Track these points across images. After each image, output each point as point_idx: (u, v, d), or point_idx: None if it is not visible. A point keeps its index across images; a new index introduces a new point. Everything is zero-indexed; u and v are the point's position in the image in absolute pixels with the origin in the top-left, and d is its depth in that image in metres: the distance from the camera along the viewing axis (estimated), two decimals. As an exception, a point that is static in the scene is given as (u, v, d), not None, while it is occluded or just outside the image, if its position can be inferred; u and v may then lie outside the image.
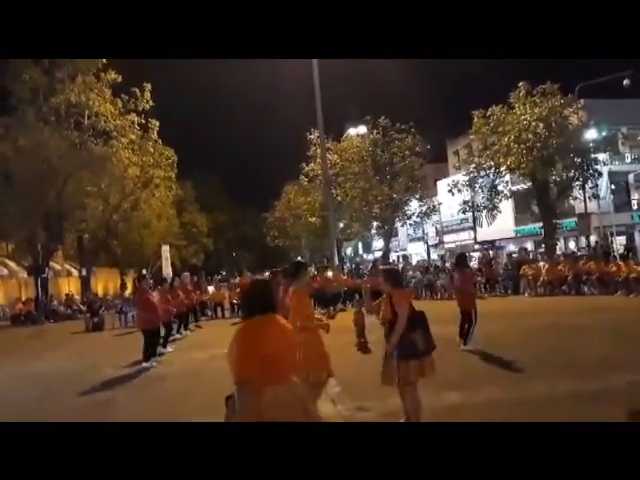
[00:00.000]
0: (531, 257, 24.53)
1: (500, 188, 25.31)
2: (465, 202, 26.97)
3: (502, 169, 24.18)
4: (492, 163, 24.28)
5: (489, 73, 57.14)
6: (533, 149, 22.52)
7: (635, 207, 30.76)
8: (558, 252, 24.64)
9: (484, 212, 27.79)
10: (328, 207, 24.16)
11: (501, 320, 11.90)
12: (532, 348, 8.74)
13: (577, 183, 23.66)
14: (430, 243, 42.97)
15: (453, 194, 26.56)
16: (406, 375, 4.73)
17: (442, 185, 34.55)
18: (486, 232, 34.76)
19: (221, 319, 18.82)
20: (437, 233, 41.39)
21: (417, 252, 43.68)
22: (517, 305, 16.52)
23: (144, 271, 29.75)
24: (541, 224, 25.07)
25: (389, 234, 33.81)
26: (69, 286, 33.90)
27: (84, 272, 31.02)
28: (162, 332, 11.51)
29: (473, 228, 36.79)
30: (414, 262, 34.88)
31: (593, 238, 26.49)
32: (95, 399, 7.57)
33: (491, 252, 31.41)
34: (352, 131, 32.31)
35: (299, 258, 35.88)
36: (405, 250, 45.17)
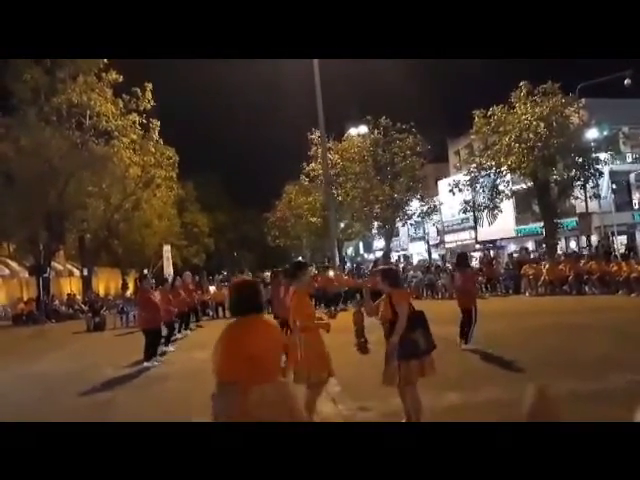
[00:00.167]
0: (532, 257, 24.53)
1: (501, 188, 25.30)
2: (466, 202, 26.95)
3: (503, 169, 24.17)
4: (493, 163, 24.27)
5: (490, 73, 57.08)
6: (534, 149, 22.51)
7: (636, 207, 30.72)
8: (559, 252, 24.63)
9: (485, 212, 27.80)
10: (329, 207, 24.18)
11: (502, 320, 11.89)
12: (532, 348, 8.74)
13: (578, 183, 23.65)
14: (431, 243, 42.93)
15: (454, 194, 26.55)
16: (407, 375, 4.73)
17: (443, 185, 34.53)
18: (487, 232, 34.73)
19: (222, 319, 18.83)
20: (438, 233, 41.35)
21: (418, 252, 43.64)
22: (518, 305, 16.51)
23: (145, 271, 29.80)
24: (542, 224, 25.06)
25: (390, 234, 33.79)
26: (71, 286, 33.94)
27: (85, 272, 31.05)
28: (164, 332, 11.53)
29: (474, 228, 36.76)
30: (415, 262, 34.85)
31: (594, 238, 26.47)
32: (96, 399, 7.57)
33: (492, 252, 31.39)
34: (353, 131, 32.29)
35: (300, 258, 35.90)
36: (406, 250, 45.13)
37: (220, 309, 19.92)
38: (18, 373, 10.28)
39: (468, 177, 25.76)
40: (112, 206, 30.46)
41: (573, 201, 25.85)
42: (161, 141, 29.93)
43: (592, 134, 23.68)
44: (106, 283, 40.41)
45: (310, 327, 5.07)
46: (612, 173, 27.59)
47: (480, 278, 20.69)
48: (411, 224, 34.25)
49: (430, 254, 42.20)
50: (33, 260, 28.11)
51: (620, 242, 28.40)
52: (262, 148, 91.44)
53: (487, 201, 25.57)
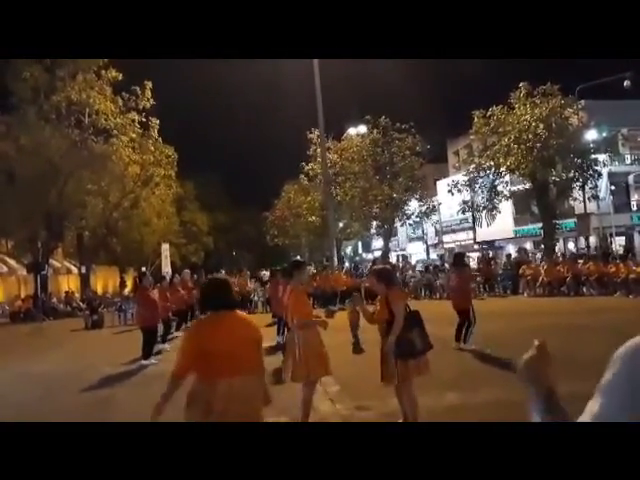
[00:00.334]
0: (529, 258, 24.55)
1: (500, 188, 25.31)
2: (465, 202, 26.97)
3: (502, 169, 24.19)
4: (492, 163, 24.29)
5: (489, 73, 57.12)
6: (533, 150, 22.53)
7: (635, 208, 30.75)
8: (557, 253, 24.65)
9: (484, 212, 27.81)
10: (328, 206, 24.18)
11: (500, 320, 11.90)
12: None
13: (577, 184, 23.68)
14: (429, 243, 42.96)
15: (453, 194, 26.56)
16: (404, 374, 4.75)
17: (442, 185, 34.54)
18: (485, 232, 34.75)
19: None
20: (436, 233, 41.36)
21: (416, 252, 43.66)
22: (516, 305, 16.53)
23: (143, 269, 29.76)
24: (541, 225, 25.08)
25: (389, 234, 33.80)
26: (69, 284, 33.89)
27: (84, 270, 31.00)
28: (161, 330, 11.52)
29: (472, 228, 36.78)
30: (414, 262, 34.85)
31: (592, 239, 26.49)
32: (95, 397, 7.57)
33: (490, 252, 31.40)
34: (352, 130, 32.29)
35: (297, 257, 35.91)
36: (404, 250, 45.14)
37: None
38: (16, 371, 10.27)
39: (467, 177, 25.78)
40: (111, 204, 30.42)
41: (572, 202, 25.87)
42: (160, 140, 29.89)
43: (591, 135, 23.72)
44: (104, 281, 40.36)
45: (307, 325, 5.09)
46: (611, 174, 27.62)
47: (478, 278, 20.71)
48: (410, 224, 34.24)
49: (428, 254, 42.22)
50: (31, 257, 28.05)
51: (618, 243, 28.43)
52: (262, 148, 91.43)
53: (486, 202, 25.59)
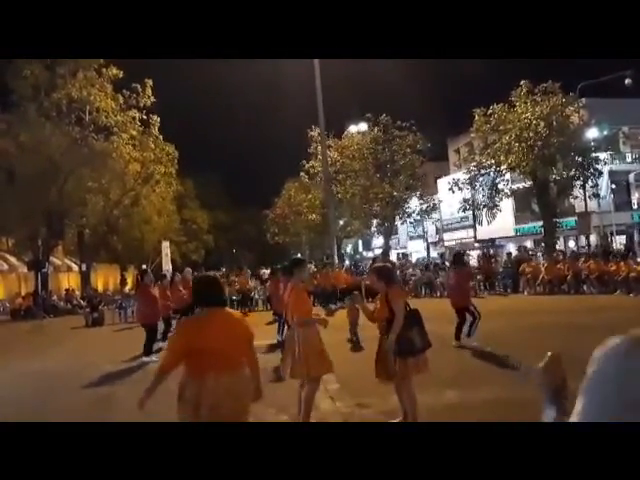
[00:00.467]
0: (531, 256, 24.55)
1: (500, 186, 25.30)
2: (465, 200, 26.94)
3: (503, 167, 24.17)
4: (493, 161, 24.28)
5: (490, 71, 57.11)
6: (534, 148, 22.51)
7: (635, 206, 30.73)
8: (557, 250, 24.65)
9: (484, 210, 27.79)
10: (328, 204, 24.17)
11: (500, 318, 11.91)
12: (531, 346, 8.74)
13: (577, 182, 23.66)
14: (430, 241, 42.94)
15: (453, 192, 26.55)
16: (403, 372, 4.77)
17: (442, 183, 34.51)
18: (486, 230, 34.73)
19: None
20: (437, 231, 41.34)
21: (417, 250, 43.66)
22: (516, 303, 16.53)
23: (144, 266, 29.78)
24: (541, 223, 25.07)
25: (389, 232, 33.78)
26: (69, 281, 33.94)
27: (84, 267, 31.03)
28: (161, 327, 11.53)
29: (473, 226, 36.76)
30: (414, 260, 34.85)
31: (593, 237, 26.48)
32: (95, 395, 7.59)
33: (491, 250, 31.39)
34: (353, 128, 32.24)
35: (298, 255, 35.94)
36: (405, 248, 45.14)
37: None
38: (16, 369, 10.28)
39: (468, 175, 25.75)
40: (111, 202, 30.42)
41: (572, 200, 25.85)
42: (161, 137, 29.87)
43: (592, 134, 23.69)
44: (104, 279, 40.41)
45: (307, 323, 5.10)
46: (611, 173, 27.61)
47: (479, 277, 20.72)
48: (410, 222, 34.21)
49: (429, 252, 42.21)
50: (32, 255, 28.07)
51: (619, 242, 28.42)
52: (262, 146, 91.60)
53: (486, 200, 25.57)
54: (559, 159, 22.98)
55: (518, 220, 32.84)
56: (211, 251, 53.49)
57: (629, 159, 29.94)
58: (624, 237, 29.88)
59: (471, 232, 37.39)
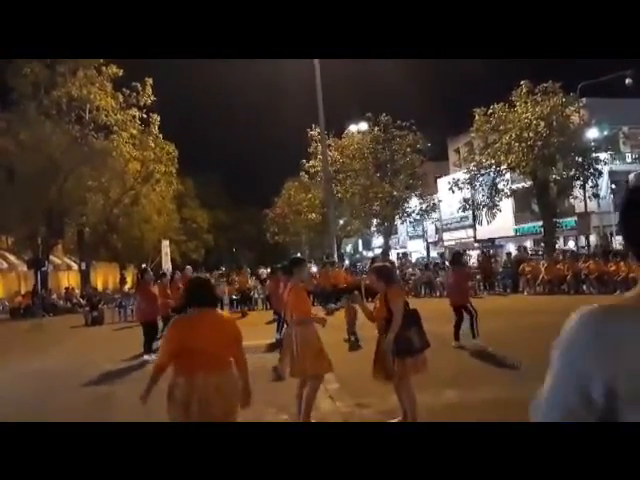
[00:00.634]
0: (534, 255, 24.54)
1: (500, 186, 25.30)
2: (465, 200, 26.95)
3: (503, 167, 24.18)
4: (493, 161, 24.28)
5: (491, 71, 57.08)
6: (534, 148, 22.51)
7: (635, 207, 30.65)
8: (557, 250, 24.66)
9: (484, 210, 27.78)
10: (328, 204, 24.16)
11: (500, 318, 11.91)
12: (530, 346, 8.74)
13: (577, 182, 23.66)
14: (430, 241, 42.92)
15: (453, 192, 26.55)
16: (402, 372, 4.77)
17: (442, 183, 34.49)
18: (486, 230, 34.72)
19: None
20: (437, 231, 41.34)
21: (417, 250, 43.65)
22: (516, 303, 16.53)
23: (144, 265, 29.76)
24: (541, 223, 25.07)
25: (389, 231, 33.78)
26: (69, 280, 33.90)
27: (84, 266, 31.01)
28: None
29: (473, 226, 36.75)
30: (414, 260, 34.83)
31: (593, 237, 26.47)
32: (95, 393, 7.59)
33: (491, 250, 31.39)
34: (353, 128, 32.22)
35: (298, 254, 35.94)
36: (405, 248, 45.13)
37: (218, 304, 19.88)
38: (16, 368, 10.28)
39: (468, 175, 25.76)
40: (111, 201, 30.40)
41: (572, 200, 25.85)
42: (161, 136, 29.85)
43: (592, 134, 23.68)
44: (104, 278, 40.38)
45: (306, 322, 5.12)
46: (612, 173, 27.58)
47: (478, 276, 20.72)
48: (410, 222, 34.22)
49: (429, 252, 42.20)
50: (31, 254, 28.05)
51: (619, 242, 28.39)
52: (262, 147, 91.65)
53: (486, 199, 25.57)
54: (559, 159, 22.98)
55: (518, 220, 32.83)
56: (211, 250, 53.46)
57: (629, 159, 29.92)
58: (624, 237, 29.83)
59: (471, 232, 37.38)
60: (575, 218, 25.33)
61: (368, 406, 5.83)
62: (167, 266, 28.48)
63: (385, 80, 63.74)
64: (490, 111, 24.16)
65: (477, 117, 24.75)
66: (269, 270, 21.47)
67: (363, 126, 31.34)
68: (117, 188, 29.97)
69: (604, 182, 26.85)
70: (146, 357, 9.88)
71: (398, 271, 20.47)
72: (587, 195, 24.18)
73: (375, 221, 32.75)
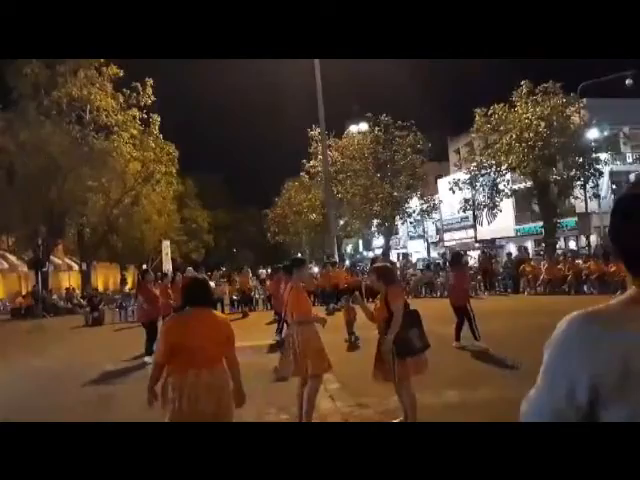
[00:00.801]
0: (537, 256, 24.53)
1: (501, 187, 25.29)
2: (466, 200, 26.94)
3: (503, 168, 24.17)
4: (493, 161, 24.28)
5: (491, 71, 57.06)
6: (534, 148, 22.51)
7: (635, 207, 30.61)
8: (558, 251, 24.65)
9: (484, 210, 27.78)
10: (329, 204, 24.16)
11: (500, 318, 11.90)
12: (531, 347, 8.72)
13: (578, 182, 23.64)
14: (430, 241, 42.91)
15: (454, 192, 26.54)
16: (402, 372, 4.77)
17: (443, 183, 34.49)
18: (486, 230, 34.71)
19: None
20: (437, 231, 41.33)
21: (417, 250, 43.63)
22: (516, 304, 16.52)
23: (144, 266, 29.78)
24: (541, 223, 25.06)
25: (389, 232, 33.76)
26: (69, 280, 33.91)
27: (84, 266, 31.03)
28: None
29: (473, 226, 36.73)
30: (414, 260, 34.81)
31: (593, 238, 26.46)
32: (95, 394, 7.58)
33: (491, 251, 31.38)
34: (353, 128, 32.20)
35: (298, 255, 35.96)
36: (405, 248, 45.11)
37: (219, 305, 19.89)
38: (16, 368, 10.29)
39: (468, 175, 25.75)
40: (112, 201, 30.40)
41: (573, 201, 25.83)
42: (161, 136, 29.86)
43: (593, 134, 23.67)
44: (105, 278, 40.40)
45: (306, 321, 5.12)
46: (612, 173, 27.57)
47: (479, 277, 20.71)
48: (410, 222, 34.20)
49: (429, 252, 42.18)
50: (32, 254, 28.06)
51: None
52: (262, 146, 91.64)
53: (487, 200, 25.57)
54: (559, 159, 22.98)
55: (518, 220, 32.82)
56: (211, 250, 53.47)
57: (630, 159, 29.89)
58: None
59: (471, 232, 37.36)
60: (576, 218, 25.31)
61: (368, 406, 5.83)
62: (167, 266, 28.47)
63: (385, 80, 63.85)
64: (490, 111, 24.16)
65: (477, 117, 24.75)
66: (269, 270, 21.47)
67: (363, 126, 31.34)
68: (117, 188, 29.97)
69: (604, 182, 26.83)
70: (146, 359, 9.87)
71: (399, 272, 20.47)
72: (587, 195, 24.17)
73: (375, 221, 32.73)
